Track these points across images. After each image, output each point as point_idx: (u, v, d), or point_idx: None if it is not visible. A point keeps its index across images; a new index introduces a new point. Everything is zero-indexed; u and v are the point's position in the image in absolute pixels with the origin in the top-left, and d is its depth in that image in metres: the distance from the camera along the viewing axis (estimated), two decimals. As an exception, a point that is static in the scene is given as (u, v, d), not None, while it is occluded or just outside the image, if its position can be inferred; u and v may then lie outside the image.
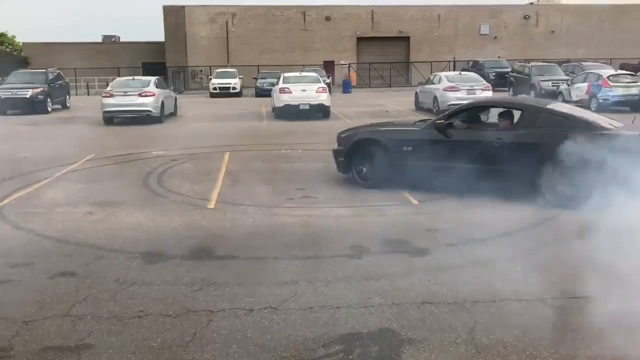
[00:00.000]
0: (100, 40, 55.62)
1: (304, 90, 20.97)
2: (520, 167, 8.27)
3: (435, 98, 22.01)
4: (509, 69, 33.56)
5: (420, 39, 49.16)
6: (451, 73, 27.92)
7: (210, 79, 38.06)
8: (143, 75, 30.95)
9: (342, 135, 10.04)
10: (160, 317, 4.79)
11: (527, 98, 21.68)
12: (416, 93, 25.23)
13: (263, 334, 4.48)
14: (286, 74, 23.61)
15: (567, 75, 27.54)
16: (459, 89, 21.52)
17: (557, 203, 7.96)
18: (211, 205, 8.63)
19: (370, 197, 8.95)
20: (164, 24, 47.47)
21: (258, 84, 35.67)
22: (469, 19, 49.92)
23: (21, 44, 54.24)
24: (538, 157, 8.18)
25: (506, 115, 9.12)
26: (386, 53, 47.75)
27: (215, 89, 35.88)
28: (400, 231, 7.14)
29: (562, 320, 4.65)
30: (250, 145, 14.75)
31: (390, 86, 44.85)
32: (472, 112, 9.71)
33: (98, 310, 4.93)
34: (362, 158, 9.58)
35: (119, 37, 56.44)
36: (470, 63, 40.40)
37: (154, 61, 46.74)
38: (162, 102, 21.14)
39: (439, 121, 9.26)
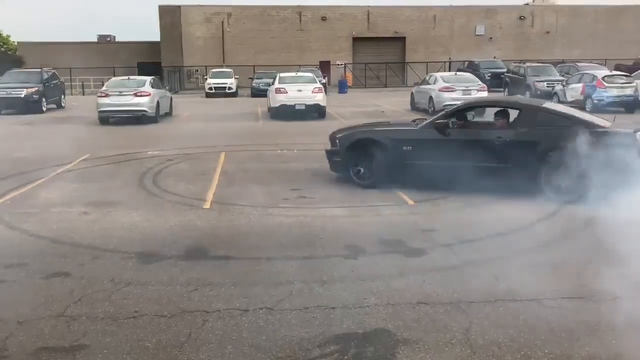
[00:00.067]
0: (95, 39, 55.43)
1: (299, 91, 20.98)
2: (520, 164, 8.55)
3: (430, 98, 22.06)
4: (505, 70, 33.67)
5: (415, 39, 49.22)
6: (447, 73, 27.98)
7: (206, 79, 38.04)
8: (138, 75, 30.83)
9: (338, 136, 10.03)
10: (155, 318, 4.78)
11: (523, 98, 21.77)
12: (412, 93, 25.26)
13: (258, 334, 4.48)
14: (282, 74, 23.60)
15: (562, 76, 27.63)
16: (454, 89, 21.57)
17: (557, 198, 8.26)
18: (207, 205, 8.62)
19: (366, 197, 8.95)
20: (160, 23, 47.40)
21: (254, 84, 35.64)
22: (464, 19, 50.01)
23: (16, 43, 54.04)
24: (540, 154, 8.46)
25: (502, 114, 9.35)
26: (382, 53, 47.80)
27: (211, 89, 35.86)
28: (396, 231, 7.15)
29: (558, 320, 4.66)
30: (246, 146, 14.73)
31: (386, 86, 44.92)
32: (471, 111, 9.89)
33: (93, 311, 4.92)
34: (360, 158, 9.59)
35: (114, 37, 56.27)
36: (466, 63, 40.50)
37: (150, 61, 46.66)
38: (158, 102, 21.11)
39: (438, 120, 9.33)
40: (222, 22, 47.61)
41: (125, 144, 15.23)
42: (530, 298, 5.05)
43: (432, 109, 21.02)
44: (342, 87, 38.74)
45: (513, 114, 9.27)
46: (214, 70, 39.31)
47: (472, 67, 36.65)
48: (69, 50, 47.55)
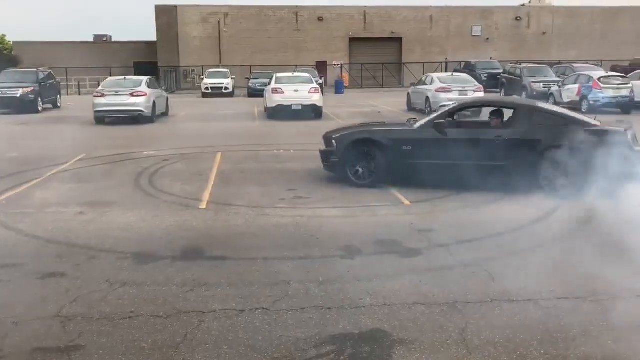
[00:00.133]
0: (91, 39, 55.34)
1: (296, 91, 20.97)
2: (520, 162, 8.79)
3: (427, 99, 22.08)
4: (501, 70, 33.70)
5: (412, 39, 49.28)
6: (443, 74, 28.03)
7: (203, 79, 37.99)
8: (135, 75, 30.83)
9: (334, 136, 10.01)
10: (151, 318, 4.77)
11: (519, 98, 21.84)
12: (408, 94, 25.29)
13: (254, 334, 4.47)
14: (279, 74, 23.60)
15: (558, 76, 27.68)
16: (451, 90, 21.59)
17: (555, 193, 8.56)
18: (203, 205, 8.61)
19: (362, 197, 8.95)
20: (156, 23, 47.35)
21: (250, 84, 35.62)
22: (461, 20, 50.10)
23: (12, 43, 53.92)
24: (539, 151, 8.77)
25: (497, 113, 9.65)
26: (378, 54, 47.85)
27: (207, 89, 35.82)
28: (392, 232, 7.15)
29: (552, 320, 4.67)
30: (242, 146, 14.72)
31: (382, 87, 44.94)
32: (470, 111, 10.04)
33: (88, 311, 4.91)
34: (358, 158, 9.60)
35: (110, 37, 56.20)
36: (462, 64, 40.53)
37: (146, 61, 46.65)
38: (154, 102, 21.08)
39: (437, 120, 9.39)
40: (219, 22, 47.59)
41: (121, 144, 15.20)
42: (526, 298, 5.06)
43: (429, 109, 21.03)
44: (339, 88, 38.73)
45: (513, 113, 9.50)
46: (210, 70, 39.26)
47: (468, 68, 36.69)
48: (65, 50, 47.51)
